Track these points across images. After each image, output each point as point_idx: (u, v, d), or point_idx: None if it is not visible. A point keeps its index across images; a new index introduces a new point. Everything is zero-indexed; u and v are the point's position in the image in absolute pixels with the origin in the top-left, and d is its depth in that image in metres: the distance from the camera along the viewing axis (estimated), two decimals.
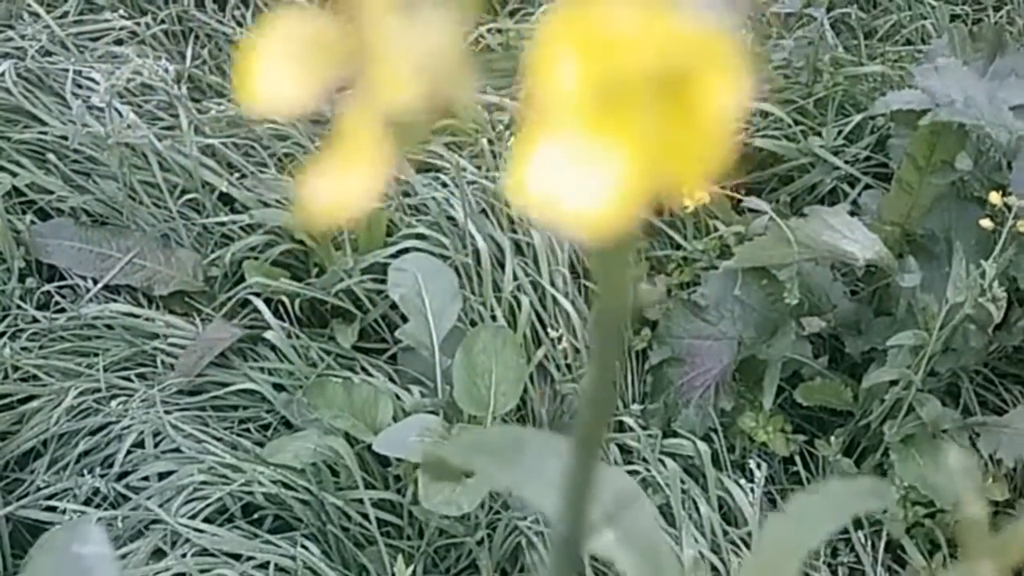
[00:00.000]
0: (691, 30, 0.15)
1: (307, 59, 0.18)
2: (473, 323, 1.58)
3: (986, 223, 1.53)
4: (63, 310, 1.72)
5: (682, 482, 1.46)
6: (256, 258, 1.74)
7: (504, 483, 0.38)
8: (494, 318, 1.58)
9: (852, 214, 1.63)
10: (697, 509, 1.45)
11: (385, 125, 0.18)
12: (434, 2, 0.18)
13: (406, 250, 1.66)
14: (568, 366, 1.59)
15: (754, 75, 0.15)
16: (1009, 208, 1.48)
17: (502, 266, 1.64)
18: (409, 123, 0.18)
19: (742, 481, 1.49)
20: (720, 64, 0.15)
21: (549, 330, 1.60)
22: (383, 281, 1.61)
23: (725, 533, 1.44)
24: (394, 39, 0.18)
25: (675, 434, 1.56)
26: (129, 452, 1.55)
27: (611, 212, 0.14)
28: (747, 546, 1.44)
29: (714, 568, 1.40)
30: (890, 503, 1.55)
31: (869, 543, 1.53)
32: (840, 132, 1.96)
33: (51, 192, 1.81)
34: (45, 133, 1.85)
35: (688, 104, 0.15)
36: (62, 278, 1.77)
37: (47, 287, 1.75)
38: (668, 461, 1.48)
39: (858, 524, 1.55)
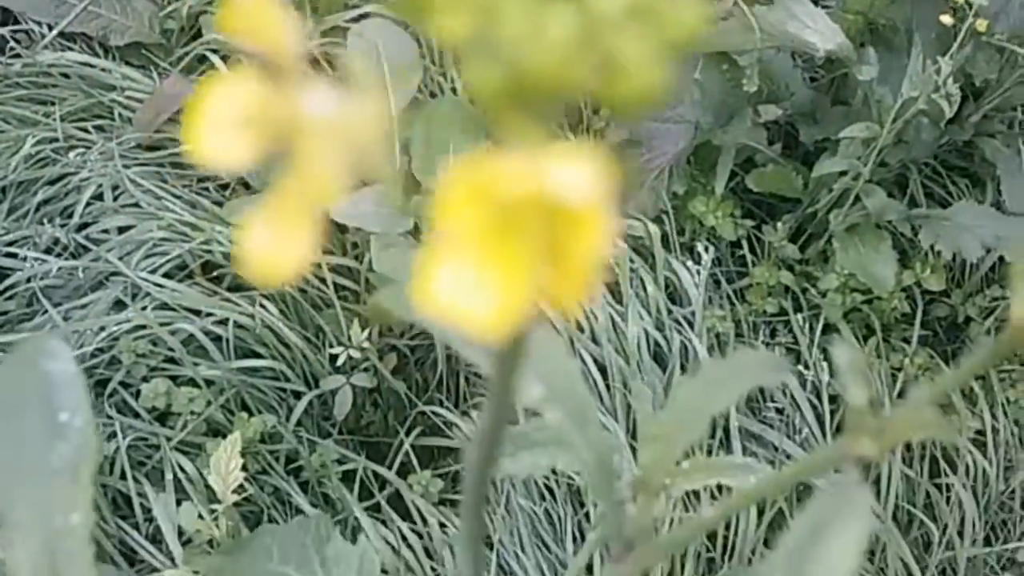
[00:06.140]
0: (565, 183, 0.18)
1: (245, 123, 0.20)
2: (433, 95, 1.58)
3: (946, 19, 1.53)
4: (18, 55, 1.69)
5: (631, 261, 1.50)
6: (214, 13, 1.71)
7: None
8: (455, 91, 1.58)
9: (815, 2, 1.63)
10: (644, 288, 1.49)
11: (310, 191, 0.21)
12: (361, 82, 0.21)
13: (366, 15, 1.63)
14: None
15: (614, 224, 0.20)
16: (970, 5, 1.48)
17: None
18: (330, 189, 0.21)
19: (689, 263, 1.53)
20: (587, 210, 0.19)
21: None
22: (342, 45, 1.60)
23: (669, 312, 1.50)
24: (321, 113, 0.21)
25: (627, 215, 1.59)
26: (88, 204, 1.56)
27: (498, 319, 0.18)
28: (691, 325, 1.50)
29: (657, 344, 1.46)
30: (829, 288, 1.61)
31: (807, 325, 1.59)
32: None
33: None
34: None
35: (562, 239, 0.19)
36: (17, 22, 1.74)
37: (1, 31, 1.71)
38: (618, 241, 1.51)
39: (797, 307, 1.61)
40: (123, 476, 1.35)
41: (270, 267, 0.20)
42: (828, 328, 1.61)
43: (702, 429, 0.40)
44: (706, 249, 1.54)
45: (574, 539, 1.37)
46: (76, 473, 0.38)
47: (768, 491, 0.57)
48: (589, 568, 1.28)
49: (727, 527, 1.39)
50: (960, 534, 1.52)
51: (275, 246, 0.20)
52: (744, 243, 1.65)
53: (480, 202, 0.18)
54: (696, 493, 1.37)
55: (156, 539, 1.32)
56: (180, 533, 1.30)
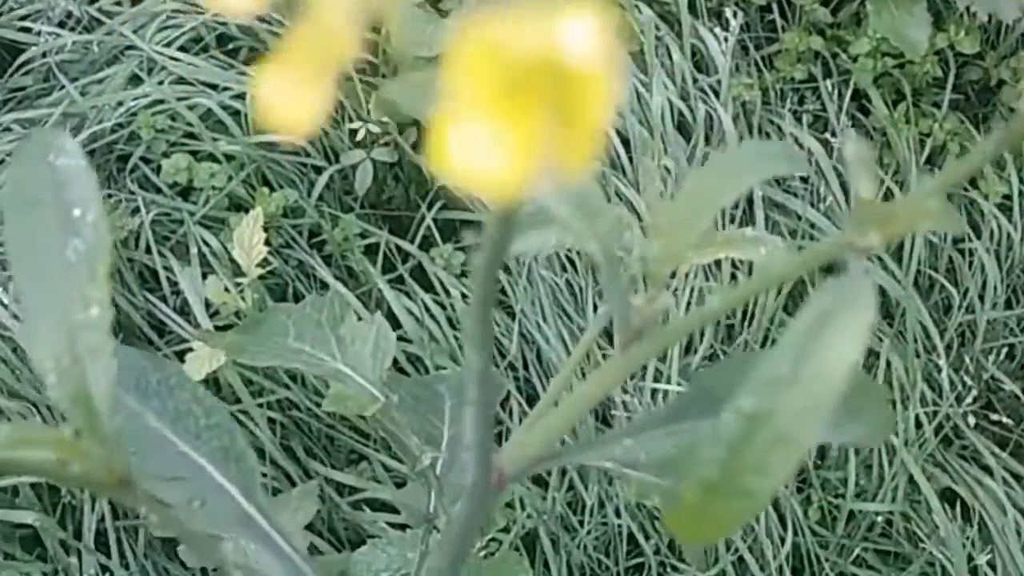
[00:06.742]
0: (575, 44, 0.19)
1: None
2: None
3: None
4: None
5: (657, 28, 1.47)
6: None
7: None
8: None
9: None
10: (669, 56, 1.46)
11: (323, 39, 0.20)
12: None
13: None
14: None
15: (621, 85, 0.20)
16: None
17: None
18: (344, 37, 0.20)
19: (716, 29, 1.49)
20: (595, 71, 0.19)
21: None
22: None
23: (695, 81, 1.47)
24: None
25: None
26: None
27: (508, 180, 0.19)
28: (716, 95, 1.47)
29: (681, 115, 1.43)
30: (860, 53, 1.57)
31: (836, 91, 1.56)
32: None
33: None
34: None
35: (570, 99, 0.19)
36: None
37: None
38: (644, 7, 1.47)
39: (827, 73, 1.58)
40: (148, 250, 1.36)
41: (286, 120, 0.20)
42: (857, 94, 1.58)
43: (709, 221, 0.40)
44: (734, 14, 1.49)
45: (594, 308, 1.38)
46: (92, 268, 0.38)
47: (774, 280, 0.57)
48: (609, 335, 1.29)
49: None
50: (981, 298, 1.53)
51: (290, 97, 0.20)
52: (774, 7, 1.60)
53: (490, 63, 0.19)
54: (720, 267, 1.37)
55: (184, 311, 1.34)
56: (207, 305, 1.31)
